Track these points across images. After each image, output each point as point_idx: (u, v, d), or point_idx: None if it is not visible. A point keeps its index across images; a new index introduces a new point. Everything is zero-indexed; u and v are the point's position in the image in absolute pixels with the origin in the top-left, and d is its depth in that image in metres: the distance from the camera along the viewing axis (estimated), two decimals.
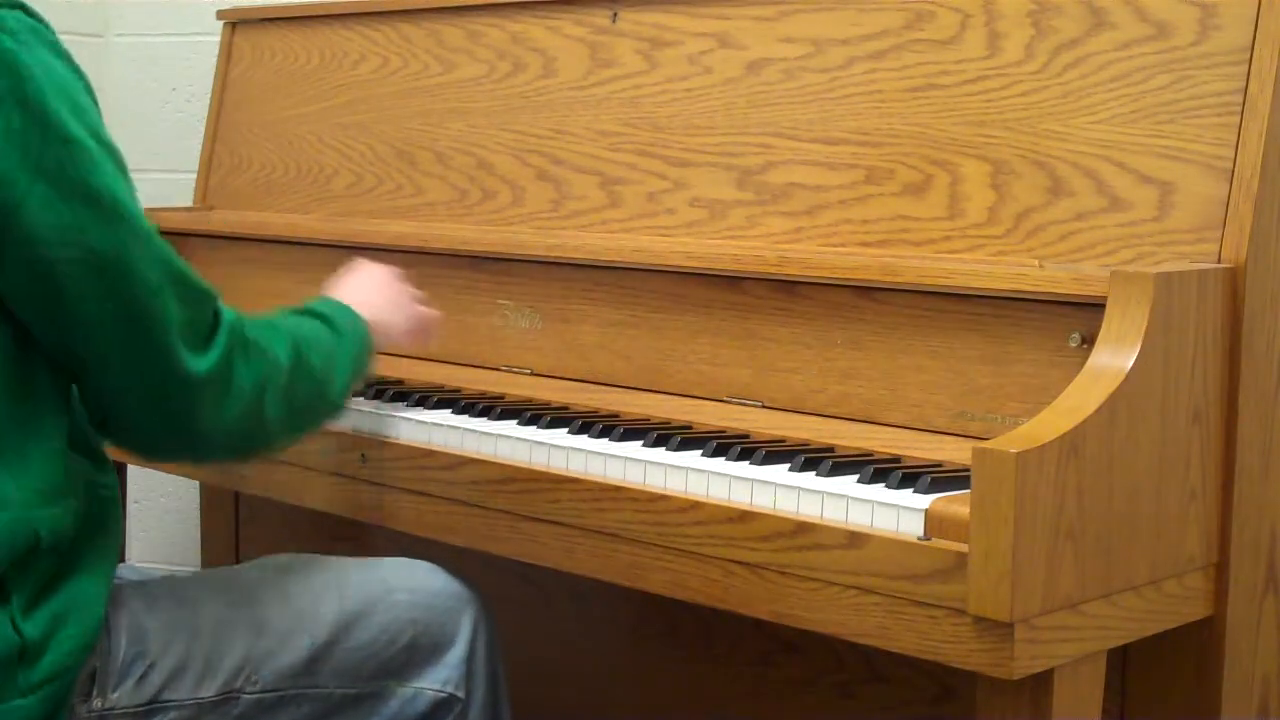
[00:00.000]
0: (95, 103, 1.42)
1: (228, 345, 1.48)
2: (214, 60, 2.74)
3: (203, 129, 2.72)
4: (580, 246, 1.98)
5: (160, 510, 3.08)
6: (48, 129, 1.34)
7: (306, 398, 1.60)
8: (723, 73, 1.99)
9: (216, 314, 1.48)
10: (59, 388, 1.45)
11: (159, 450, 1.55)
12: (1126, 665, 1.63)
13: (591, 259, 1.96)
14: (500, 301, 2.09)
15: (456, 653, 1.66)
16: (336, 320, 1.70)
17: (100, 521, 1.49)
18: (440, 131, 2.32)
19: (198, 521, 2.84)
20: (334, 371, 1.65)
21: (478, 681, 1.66)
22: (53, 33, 1.40)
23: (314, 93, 2.54)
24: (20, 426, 1.41)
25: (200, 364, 1.45)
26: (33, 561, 1.40)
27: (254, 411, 1.51)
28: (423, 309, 1.90)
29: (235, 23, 2.71)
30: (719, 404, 1.83)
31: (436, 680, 1.64)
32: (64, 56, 1.40)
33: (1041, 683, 1.38)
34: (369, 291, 1.84)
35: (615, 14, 2.13)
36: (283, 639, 1.57)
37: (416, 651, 1.64)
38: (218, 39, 2.73)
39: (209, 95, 2.73)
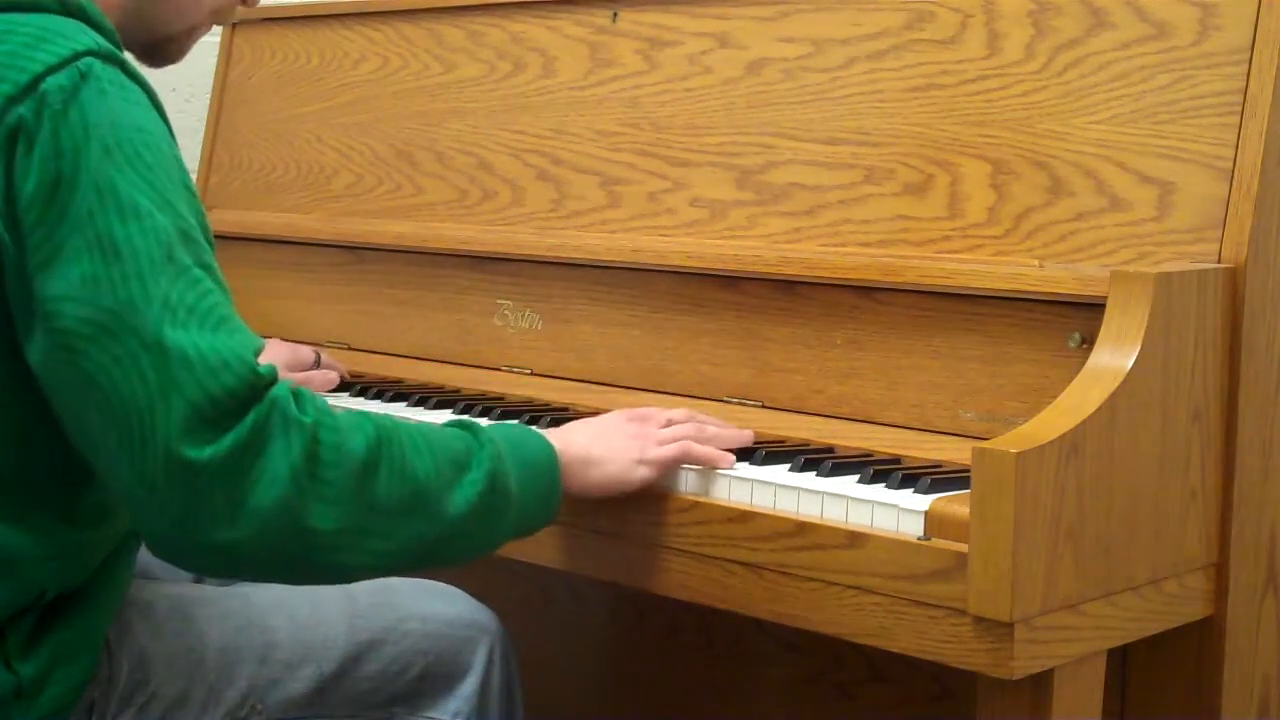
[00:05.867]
0: (174, 165, 1.33)
1: (254, 429, 1.25)
2: (214, 60, 2.74)
3: (203, 129, 2.72)
4: (580, 246, 1.98)
5: None
6: (88, 178, 1.26)
7: (391, 513, 1.33)
8: (723, 73, 1.99)
9: (255, 391, 1.27)
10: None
11: (177, 557, 1.31)
12: (1126, 665, 1.63)
13: (591, 259, 1.96)
14: (500, 301, 2.09)
15: (470, 683, 1.62)
16: (484, 432, 1.43)
17: (111, 563, 1.45)
18: (440, 131, 2.32)
19: None
20: (453, 487, 1.37)
21: (491, 712, 1.63)
22: (142, 90, 1.33)
23: (314, 93, 2.54)
24: (44, 487, 1.37)
25: (202, 450, 1.24)
26: (32, 609, 1.38)
27: (289, 516, 1.27)
28: (666, 450, 1.57)
29: (235, 23, 2.71)
30: (719, 404, 1.83)
31: (448, 711, 1.61)
32: (146, 112, 1.32)
33: (1041, 683, 1.38)
34: (588, 431, 1.56)
35: (615, 14, 2.13)
36: (290, 668, 1.54)
37: (428, 681, 1.61)
38: (218, 39, 2.73)
39: (209, 95, 2.73)
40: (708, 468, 1.58)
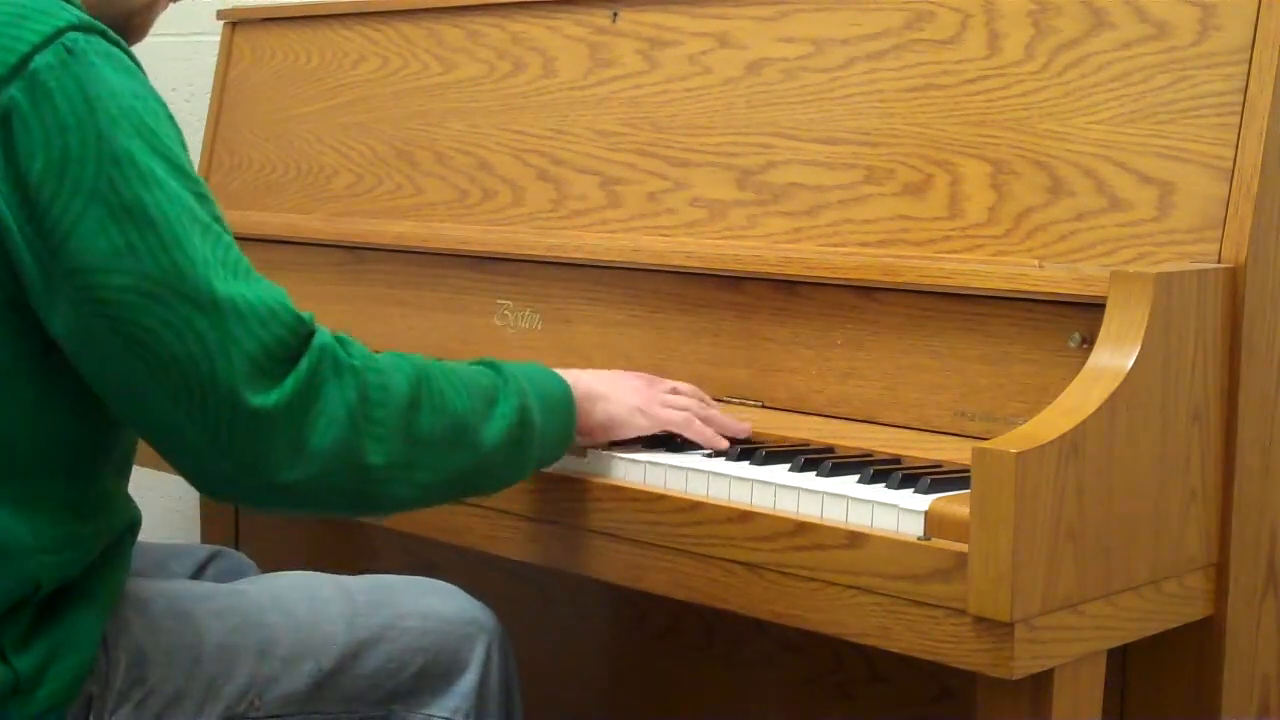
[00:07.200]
0: (172, 127, 1.37)
1: (310, 374, 1.33)
2: (214, 60, 2.74)
3: (203, 129, 2.72)
4: (580, 246, 1.98)
5: (160, 509, 3.08)
6: (101, 150, 1.29)
7: (434, 445, 1.42)
8: (723, 73, 1.99)
9: (302, 338, 1.34)
10: (93, 434, 1.41)
11: (241, 499, 1.38)
12: (1126, 665, 1.63)
13: (591, 259, 1.96)
14: (500, 301, 2.09)
15: (468, 680, 1.62)
16: (506, 368, 1.52)
17: (108, 557, 1.46)
18: (440, 131, 2.32)
19: (198, 515, 2.84)
20: (487, 420, 1.46)
21: (490, 709, 1.63)
22: (127, 56, 1.36)
23: (314, 93, 2.54)
24: (49, 474, 1.38)
25: (267, 397, 1.30)
26: (28, 602, 1.38)
27: (348, 454, 1.35)
28: (670, 412, 1.66)
29: (235, 23, 2.71)
30: (719, 404, 1.83)
31: (446, 708, 1.61)
32: (137, 79, 1.35)
33: (1041, 683, 1.38)
34: (595, 374, 1.67)
35: (615, 14, 2.13)
36: (288, 665, 1.54)
37: (426, 679, 1.61)
38: (218, 39, 2.74)
39: (209, 95, 2.73)
40: (704, 445, 1.65)
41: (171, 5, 1.59)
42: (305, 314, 1.36)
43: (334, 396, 1.34)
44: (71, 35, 1.31)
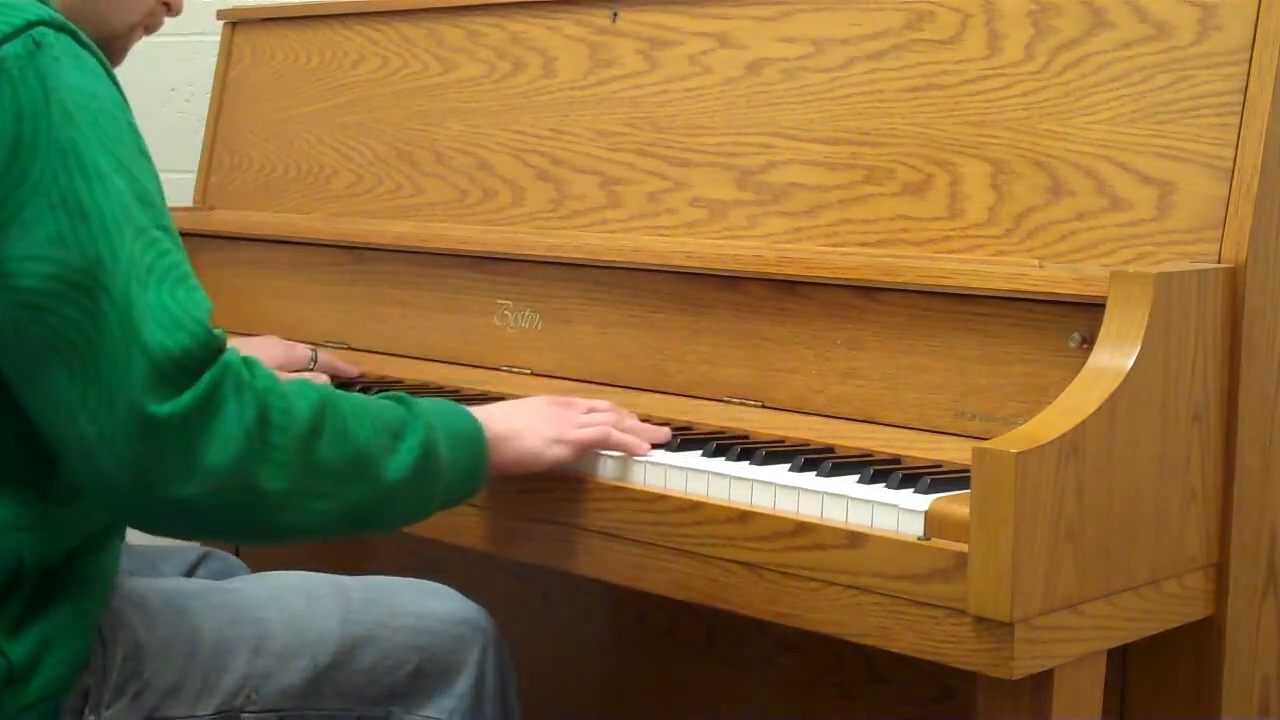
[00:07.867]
0: (130, 131, 1.37)
1: (210, 389, 1.30)
2: (214, 60, 2.74)
3: (202, 129, 2.72)
4: (580, 246, 1.98)
5: None
6: (51, 142, 1.30)
7: (333, 475, 1.39)
8: (723, 73, 1.99)
9: (209, 353, 1.31)
10: (34, 428, 1.38)
11: (133, 513, 1.34)
12: (1126, 665, 1.63)
13: (591, 259, 1.96)
14: (500, 301, 2.09)
15: (464, 682, 1.62)
16: (416, 403, 1.50)
17: (97, 545, 1.46)
18: (440, 131, 2.32)
19: None
20: (391, 453, 1.43)
21: (487, 711, 1.63)
22: (95, 59, 1.37)
23: (314, 93, 2.54)
24: (10, 458, 1.38)
25: (163, 405, 1.28)
26: (16, 586, 1.39)
27: (242, 475, 1.32)
28: (585, 432, 1.64)
29: (235, 23, 2.71)
30: (719, 404, 1.83)
31: (443, 709, 1.62)
32: (100, 80, 1.36)
33: (1041, 683, 1.38)
34: (509, 408, 1.63)
35: (615, 14, 2.13)
36: (284, 659, 1.55)
37: (422, 678, 1.61)
38: (218, 39, 2.74)
39: (209, 95, 2.73)
40: (625, 455, 1.64)
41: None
42: (217, 331, 1.33)
43: (232, 415, 1.31)
44: (41, 30, 1.33)
